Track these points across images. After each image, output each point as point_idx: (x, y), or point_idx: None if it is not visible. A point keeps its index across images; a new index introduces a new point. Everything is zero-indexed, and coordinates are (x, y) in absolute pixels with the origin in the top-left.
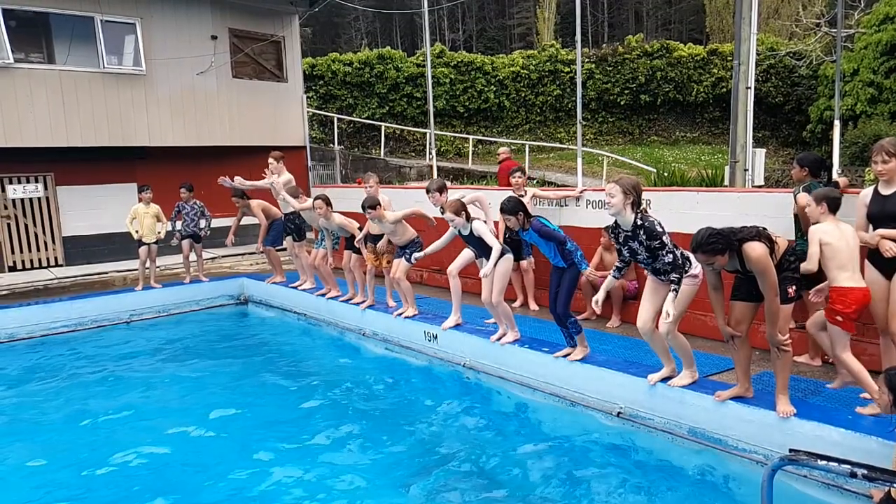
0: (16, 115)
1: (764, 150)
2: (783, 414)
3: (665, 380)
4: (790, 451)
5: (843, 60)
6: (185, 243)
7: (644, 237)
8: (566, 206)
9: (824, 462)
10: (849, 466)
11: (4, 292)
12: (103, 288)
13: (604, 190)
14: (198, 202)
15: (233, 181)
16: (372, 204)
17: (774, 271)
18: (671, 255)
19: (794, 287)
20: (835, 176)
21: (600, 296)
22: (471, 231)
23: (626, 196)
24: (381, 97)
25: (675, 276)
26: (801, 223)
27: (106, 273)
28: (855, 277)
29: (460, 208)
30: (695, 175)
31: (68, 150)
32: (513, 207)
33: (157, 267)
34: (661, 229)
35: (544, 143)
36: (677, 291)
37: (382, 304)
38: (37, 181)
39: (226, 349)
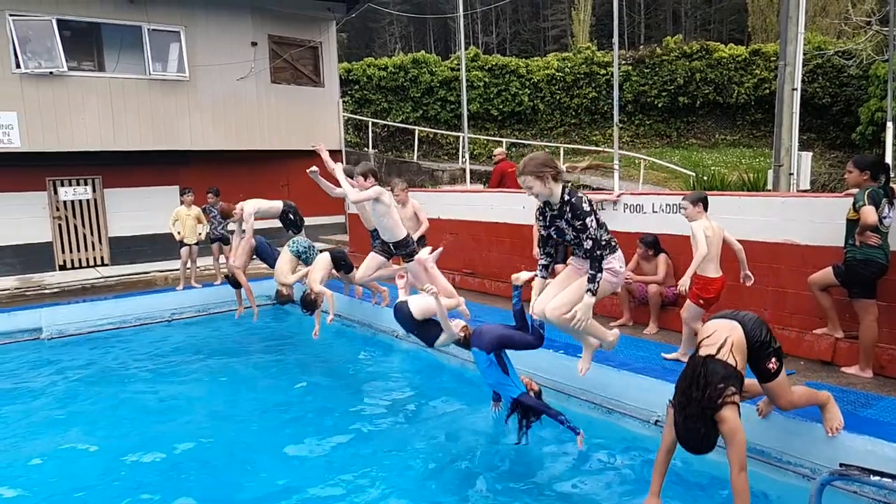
0: (68, 121)
1: (810, 154)
2: (831, 432)
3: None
4: (840, 465)
5: (895, 59)
6: (215, 246)
7: (570, 215)
8: (603, 209)
9: (877, 478)
10: None
11: (55, 290)
12: (146, 287)
13: (642, 193)
14: (224, 205)
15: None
16: (363, 172)
17: (744, 438)
18: (590, 242)
19: (773, 360)
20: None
21: (534, 296)
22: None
23: (542, 179)
24: (415, 101)
25: (596, 258)
26: (857, 231)
27: (148, 273)
28: (718, 269)
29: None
30: (735, 179)
31: (116, 154)
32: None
33: (198, 267)
34: (587, 208)
35: (579, 146)
36: (592, 293)
37: None
38: (86, 184)
39: (262, 348)
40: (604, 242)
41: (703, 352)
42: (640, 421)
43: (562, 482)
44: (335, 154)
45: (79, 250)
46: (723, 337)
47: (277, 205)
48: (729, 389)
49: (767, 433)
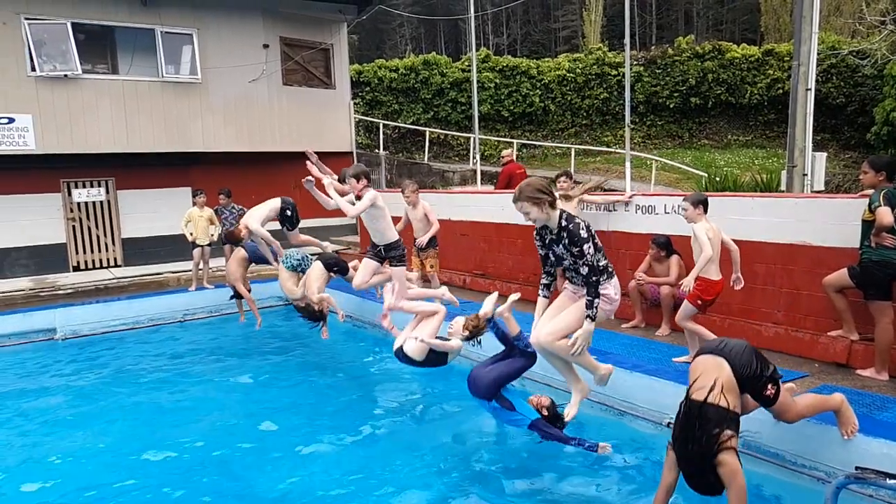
0: (82, 123)
1: (825, 154)
2: (846, 435)
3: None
4: (856, 468)
5: None
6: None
7: (567, 241)
8: (615, 210)
9: (894, 481)
10: None
11: (69, 291)
12: (159, 288)
13: (654, 194)
14: (236, 206)
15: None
16: (355, 174)
17: (743, 482)
18: (587, 268)
19: (769, 386)
20: None
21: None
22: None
23: (538, 205)
24: (426, 102)
25: (593, 284)
26: (872, 232)
27: (161, 274)
28: (718, 271)
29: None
30: (748, 179)
31: (129, 156)
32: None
33: (210, 268)
34: (584, 234)
35: (590, 147)
36: (591, 319)
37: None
38: (99, 185)
39: (273, 349)
40: (601, 267)
41: (694, 397)
42: (652, 423)
43: (571, 482)
44: (346, 156)
45: (92, 251)
46: (711, 379)
47: (276, 204)
48: (724, 434)
49: (782, 436)
